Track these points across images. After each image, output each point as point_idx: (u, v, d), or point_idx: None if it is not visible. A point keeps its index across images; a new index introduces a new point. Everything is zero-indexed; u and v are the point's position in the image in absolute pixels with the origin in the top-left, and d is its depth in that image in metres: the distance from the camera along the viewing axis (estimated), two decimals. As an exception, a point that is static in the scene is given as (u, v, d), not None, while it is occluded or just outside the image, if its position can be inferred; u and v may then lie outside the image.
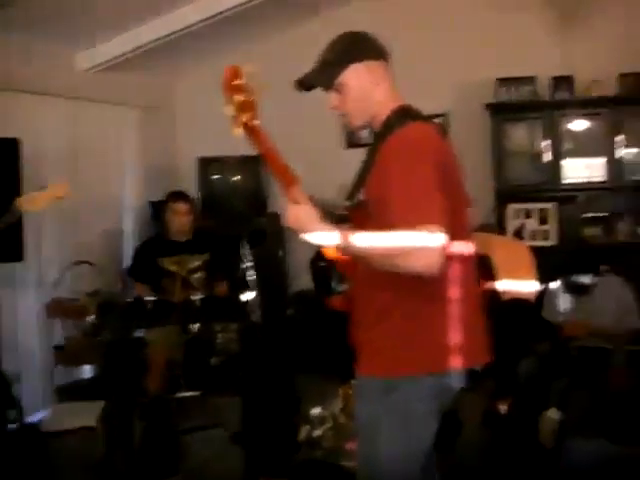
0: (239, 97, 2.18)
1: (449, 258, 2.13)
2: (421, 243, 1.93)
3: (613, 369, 3.76)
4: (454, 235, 2.15)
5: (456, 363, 2.19)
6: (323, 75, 2.26)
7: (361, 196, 2.23)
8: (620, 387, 3.55)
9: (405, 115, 2.23)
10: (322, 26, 5.60)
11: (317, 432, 3.77)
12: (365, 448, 2.24)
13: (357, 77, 2.24)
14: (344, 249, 2.09)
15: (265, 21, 6.09)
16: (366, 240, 2.02)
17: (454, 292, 2.18)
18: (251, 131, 2.21)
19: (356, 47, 2.27)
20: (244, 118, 2.19)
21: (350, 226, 2.19)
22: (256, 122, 2.20)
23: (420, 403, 2.16)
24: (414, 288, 2.10)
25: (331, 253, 2.25)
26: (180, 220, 4.97)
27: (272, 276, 5.82)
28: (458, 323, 2.18)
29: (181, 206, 4.98)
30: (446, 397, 2.24)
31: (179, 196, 5.07)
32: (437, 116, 6.17)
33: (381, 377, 2.18)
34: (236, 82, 2.18)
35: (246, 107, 2.19)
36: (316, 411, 3.89)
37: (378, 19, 5.43)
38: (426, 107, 6.20)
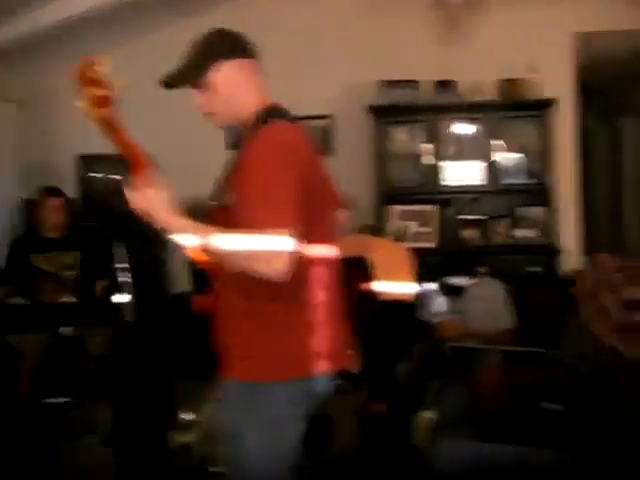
0: (92, 90, 2.08)
1: (311, 262, 2.10)
2: (269, 247, 1.89)
3: (484, 368, 3.82)
4: (317, 238, 2.12)
5: (321, 367, 2.17)
6: (190, 72, 2.19)
7: (226, 197, 2.17)
8: (491, 386, 3.60)
9: (271, 115, 2.18)
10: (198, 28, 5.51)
11: (188, 438, 3.69)
12: (231, 453, 2.19)
13: (225, 75, 2.18)
14: (201, 247, 2.04)
15: (142, 21, 5.97)
16: (217, 239, 1.97)
17: (318, 296, 2.15)
18: (106, 125, 2.12)
19: (225, 44, 2.21)
20: (99, 112, 2.10)
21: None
22: (111, 116, 2.12)
23: (285, 407, 2.13)
24: (277, 292, 2.06)
25: (195, 253, 2.19)
26: (53, 216, 4.81)
27: (152, 277, 5.70)
28: (322, 327, 2.16)
29: (54, 201, 4.82)
30: (312, 401, 2.22)
31: (52, 192, 4.90)
32: (322, 117, 6.20)
33: (245, 381, 2.14)
34: (91, 75, 2.09)
35: (100, 101, 2.10)
36: (187, 416, 3.80)
37: (256, 21, 5.41)
38: (311, 109, 6.29)
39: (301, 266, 2.08)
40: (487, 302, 4.32)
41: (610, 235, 8.73)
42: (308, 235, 2.08)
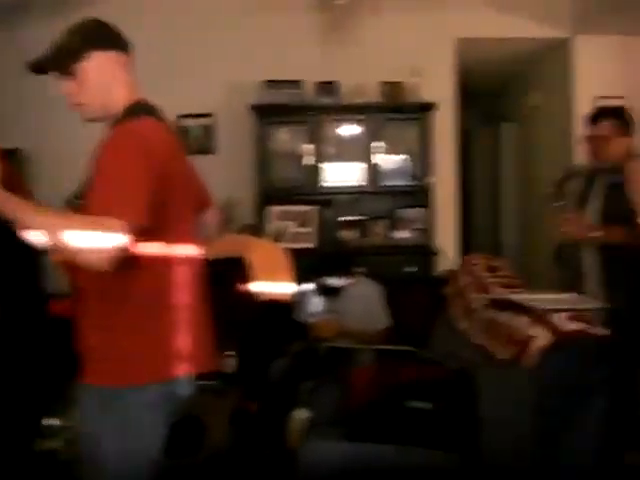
0: None
1: (172, 262, 2.06)
2: (97, 238, 1.83)
3: (357, 368, 3.84)
4: (179, 238, 2.08)
5: (182, 370, 2.14)
6: (59, 59, 2.10)
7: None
8: (363, 386, 3.62)
9: (136, 110, 2.13)
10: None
11: (54, 444, 3.57)
12: (89, 458, 2.13)
13: (97, 66, 2.11)
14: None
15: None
16: (44, 221, 1.88)
17: (179, 297, 2.12)
18: None
19: (101, 34, 2.14)
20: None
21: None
22: None
23: (144, 412, 2.09)
24: (133, 294, 2.02)
25: (55, 254, 2.11)
26: None
27: (23, 275, 5.47)
28: (184, 329, 2.13)
29: None
30: (173, 405, 2.17)
31: None
32: (204, 116, 6.13)
33: (103, 386, 2.08)
34: None
35: None
36: (53, 422, 3.68)
37: (138, 18, 5.32)
38: (193, 107, 6.20)
39: (160, 266, 2.04)
40: (362, 302, 4.35)
41: (489, 236, 8.98)
42: (168, 234, 2.04)
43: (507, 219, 8.37)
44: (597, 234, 3.33)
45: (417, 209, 5.95)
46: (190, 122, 6.14)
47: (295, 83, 6.00)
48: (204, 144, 6.13)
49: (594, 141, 3.55)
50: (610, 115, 3.55)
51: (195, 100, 6.04)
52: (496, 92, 8.64)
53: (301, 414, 3.89)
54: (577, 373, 2.62)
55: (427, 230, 5.92)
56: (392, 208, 6.01)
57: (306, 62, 6.04)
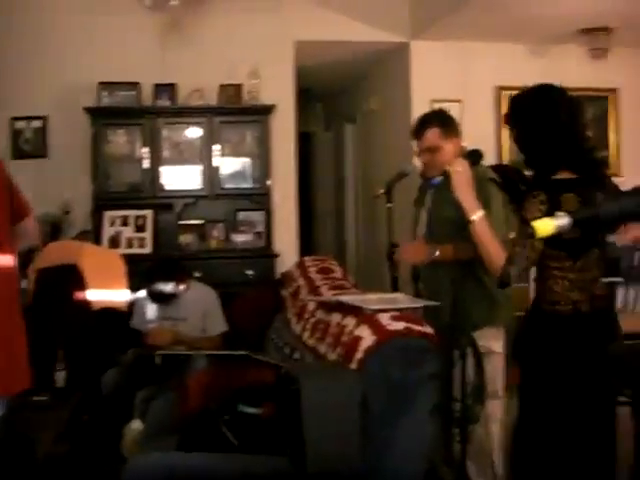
0: None
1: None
2: None
3: (191, 375, 3.77)
4: None
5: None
6: None
7: None
8: (196, 393, 3.56)
9: None
10: None
11: None
12: None
13: None
14: None
15: None
16: None
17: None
18: None
19: None
20: None
21: None
22: None
23: None
24: None
25: None
26: None
27: None
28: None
29: None
30: None
31: None
32: (36, 118, 5.89)
33: None
34: None
35: None
36: None
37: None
38: (27, 109, 5.93)
39: None
40: (198, 308, 4.29)
41: (334, 236, 9.12)
42: None
43: (350, 219, 8.51)
44: (436, 254, 3.37)
45: (257, 212, 5.95)
46: (22, 125, 5.88)
47: (132, 85, 5.86)
48: (37, 147, 5.87)
49: (424, 154, 3.57)
50: (433, 123, 3.56)
51: (28, 102, 5.80)
52: (339, 94, 8.77)
53: (135, 424, 3.80)
54: (401, 372, 2.67)
55: (267, 233, 5.93)
56: (231, 211, 5.98)
57: (144, 64, 5.91)
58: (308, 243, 8.69)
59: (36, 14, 5.85)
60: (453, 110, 6.11)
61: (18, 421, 3.37)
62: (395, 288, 3.55)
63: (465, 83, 6.34)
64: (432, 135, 3.53)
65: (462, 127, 6.18)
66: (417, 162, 3.81)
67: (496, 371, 3.42)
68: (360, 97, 7.93)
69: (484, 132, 6.25)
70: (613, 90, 6.65)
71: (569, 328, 2.68)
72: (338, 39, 6.34)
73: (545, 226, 1.68)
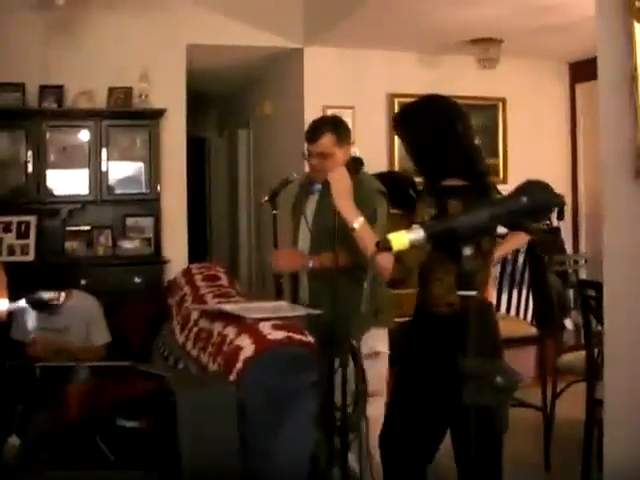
0: None
1: None
2: None
3: (71, 387, 3.67)
4: None
5: None
6: None
7: None
8: (76, 406, 3.46)
9: None
10: None
11: None
12: None
13: None
14: None
15: None
16: None
17: None
18: None
19: None
20: None
21: None
22: None
23: None
24: None
25: None
26: None
27: None
28: None
29: None
30: None
31: None
32: None
33: None
34: None
35: None
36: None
37: None
38: None
39: None
40: (80, 318, 4.18)
41: (228, 241, 9.06)
42: None
43: (243, 225, 8.46)
44: (309, 264, 3.38)
45: (146, 218, 5.84)
46: None
47: (16, 86, 5.65)
48: None
49: (316, 158, 3.56)
50: (328, 130, 3.55)
51: None
52: (232, 99, 8.72)
53: (13, 440, 3.66)
54: (281, 381, 2.66)
55: (156, 239, 5.82)
56: (120, 217, 5.84)
57: (29, 64, 5.71)
58: (203, 249, 8.62)
59: None
60: (345, 116, 6.16)
61: None
62: (279, 296, 3.54)
63: (357, 90, 6.40)
64: (327, 141, 3.52)
65: (354, 134, 6.26)
66: (305, 166, 3.80)
67: (381, 371, 3.50)
68: (254, 102, 7.89)
69: (376, 139, 6.32)
70: (502, 99, 6.82)
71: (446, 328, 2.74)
72: (231, 43, 6.28)
73: (399, 239, 1.69)
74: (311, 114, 5.73)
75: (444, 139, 2.80)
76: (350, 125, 6.10)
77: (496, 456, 2.80)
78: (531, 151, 6.75)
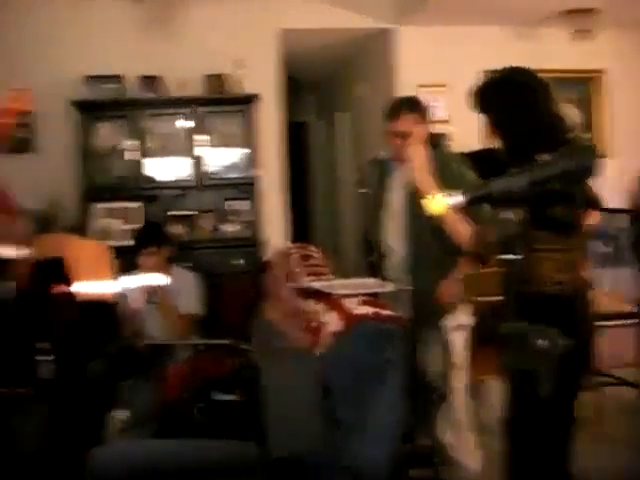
0: None
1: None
2: None
3: (173, 364, 3.83)
4: None
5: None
6: None
7: None
8: (177, 381, 3.61)
9: None
10: None
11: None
12: None
13: None
14: None
15: None
16: None
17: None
18: None
19: None
20: None
21: None
22: None
23: None
24: None
25: None
26: None
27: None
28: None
29: None
30: None
31: None
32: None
33: None
34: None
35: None
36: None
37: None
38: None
39: None
40: (175, 288, 4.34)
41: (329, 224, 9.15)
42: None
43: (344, 206, 8.52)
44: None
45: (244, 202, 5.98)
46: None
47: (116, 78, 5.89)
48: (24, 142, 5.91)
49: (396, 136, 3.62)
50: (406, 109, 3.62)
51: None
52: (329, 82, 8.78)
53: (120, 413, 3.86)
54: (366, 356, 2.70)
55: (254, 222, 5.95)
56: (220, 201, 6.01)
57: (127, 56, 5.95)
58: (304, 231, 8.72)
59: (19, 9, 5.89)
60: (439, 95, 6.16)
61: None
62: (374, 274, 3.60)
63: (451, 68, 6.34)
64: (406, 121, 3.60)
65: (448, 112, 6.23)
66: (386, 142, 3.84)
67: (463, 344, 3.50)
68: (350, 84, 7.93)
69: (471, 117, 6.23)
70: (599, 71, 6.62)
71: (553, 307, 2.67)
72: (323, 26, 6.36)
73: (438, 203, 1.70)
74: (405, 94, 5.74)
75: (533, 112, 2.75)
76: (444, 103, 6.10)
77: (540, 421, 2.63)
78: (635, 124, 6.54)
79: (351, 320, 2.74)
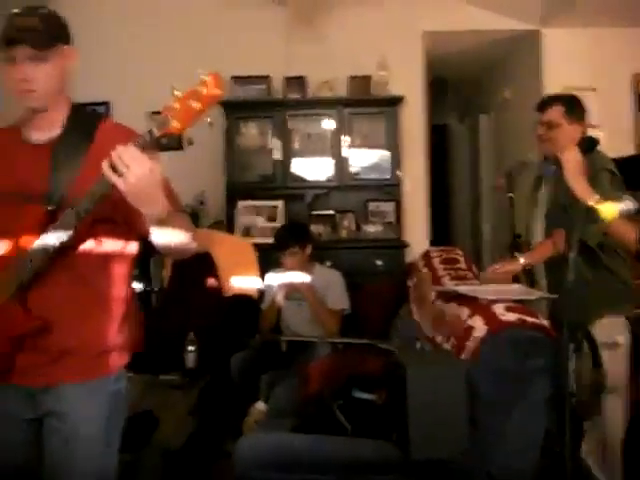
0: None
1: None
2: None
3: (315, 360, 3.88)
4: None
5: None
6: (49, 37, 2.03)
7: None
8: (318, 378, 3.65)
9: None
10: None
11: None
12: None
13: (71, 57, 2.13)
14: None
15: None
16: None
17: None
18: None
19: (66, 28, 2.12)
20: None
21: None
22: None
23: None
24: None
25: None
26: None
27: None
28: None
29: None
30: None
31: None
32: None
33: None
34: None
35: None
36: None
37: (101, 14, 5.35)
38: (159, 104, 6.15)
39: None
40: (320, 285, 4.38)
41: (470, 227, 9.03)
42: None
43: (486, 210, 8.39)
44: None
45: (387, 203, 5.97)
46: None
47: (263, 79, 6.02)
48: (173, 140, 6.11)
49: (543, 127, 3.53)
50: (559, 101, 3.52)
51: (160, 97, 6.04)
52: (471, 85, 8.65)
53: (260, 406, 3.96)
54: (513, 363, 2.66)
55: (396, 223, 5.94)
56: (362, 202, 6.02)
57: (273, 57, 6.04)
58: (444, 234, 8.64)
59: (170, 13, 6.14)
60: (587, 99, 5.93)
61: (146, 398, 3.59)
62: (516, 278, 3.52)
63: (599, 71, 6.11)
64: (555, 111, 3.50)
65: (597, 117, 6.02)
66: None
67: (618, 365, 3.28)
68: (494, 86, 7.79)
69: (621, 121, 6.03)
70: None
71: None
72: (467, 28, 6.27)
73: (609, 209, 1.65)
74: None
75: None
76: (593, 108, 5.88)
77: None
78: None
79: (497, 326, 2.71)
